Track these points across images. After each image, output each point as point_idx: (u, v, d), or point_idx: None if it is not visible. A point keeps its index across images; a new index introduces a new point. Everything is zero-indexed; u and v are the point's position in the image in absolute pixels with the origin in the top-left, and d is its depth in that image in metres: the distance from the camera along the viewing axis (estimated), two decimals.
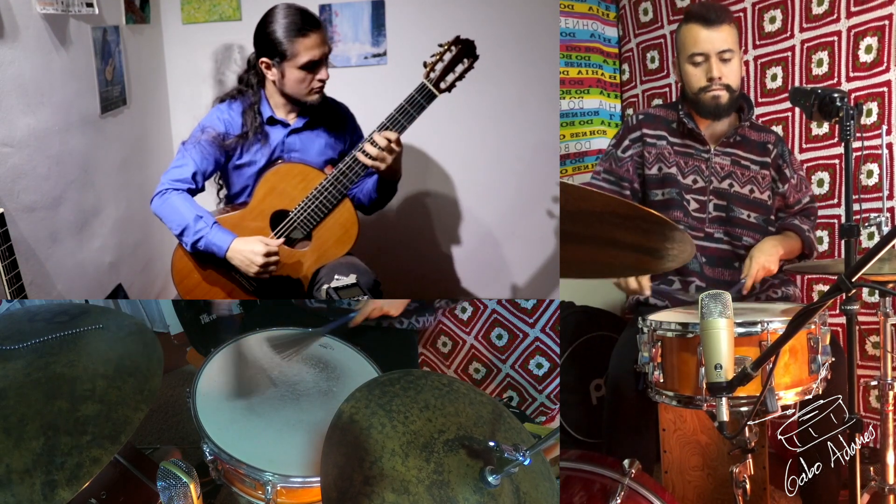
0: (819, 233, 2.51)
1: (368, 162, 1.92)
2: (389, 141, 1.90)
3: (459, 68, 1.95)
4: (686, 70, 2.07)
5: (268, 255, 1.91)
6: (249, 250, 1.90)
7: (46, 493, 1.03)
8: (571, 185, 1.16)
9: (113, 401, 1.21)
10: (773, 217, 2.18)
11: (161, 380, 1.32)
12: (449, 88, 1.95)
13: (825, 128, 2.52)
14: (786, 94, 2.57)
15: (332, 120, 2.14)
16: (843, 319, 1.55)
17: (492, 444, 1.23)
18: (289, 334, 1.89)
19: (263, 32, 1.94)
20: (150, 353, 1.38)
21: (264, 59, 1.96)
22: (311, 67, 1.95)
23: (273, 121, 2.05)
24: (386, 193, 2.13)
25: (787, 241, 2.09)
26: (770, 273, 2.03)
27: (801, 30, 2.55)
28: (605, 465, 1.53)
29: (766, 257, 2.01)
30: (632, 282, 2.02)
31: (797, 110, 2.59)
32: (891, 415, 1.69)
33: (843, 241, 1.49)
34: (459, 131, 2.75)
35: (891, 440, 1.70)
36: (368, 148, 1.91)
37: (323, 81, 1.99)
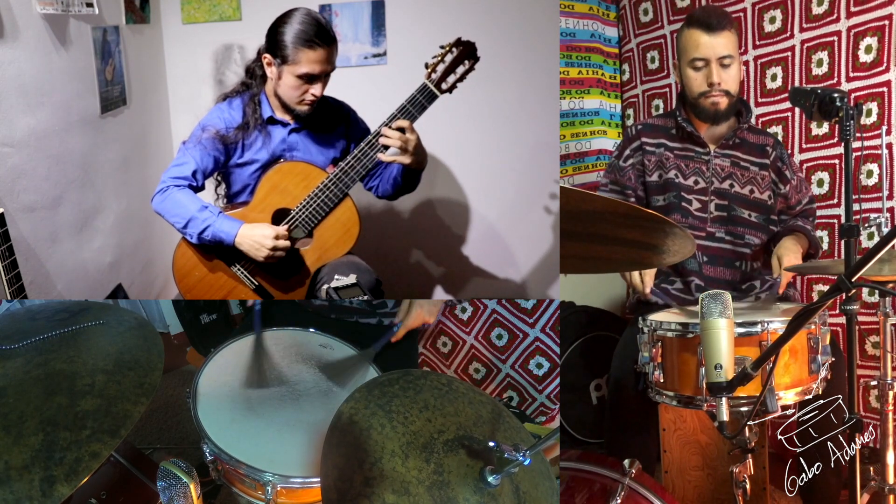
0: (819, 233, 2.51)
1: (388, 159, 1.95)
2: (403, 131, 1.91)
3: (460, 70, 1.96)
4: (687, 74, 2.11)
5: (276, 237, 1.92)
6: (258, 234, 1.92)
7: (45, 488, 1.02)
8: (572, 189, 1.16)
9: (112, 395, 1.20)
10: (773, 217, 2.20)
11: (162, 373, 1.31)
12: (450, 89, 1.96)
13: (825, 128, 2.52)
14: (786, 95, 2.57)
15: (334, 120, 2.14)
16: (843, 319, 1.55)
17: (492, 444, 1.23)
18: (339, 362, 1.85)
19: (275, 31, 1.94)
20: (151, 347, 1.37)
21: (267, 56, 1.97)
22: (308, 80, 1.95)
23: (273, 120, 2.05)
24: (411, 181, 2.13)
25: (801, 241, 2.13)
26: None
27: (801, 30, 2.55)
28: (606, 465, 1.54)
29: (793, 255, 2.04)
30: (635, 276, 2.05)
31: (797, 110, 2.59)
32: (891, 415, 1.69)
33: (843, 241, 1.49)
34: (459, 131, 2.75)
35: (891, 440, 1.70)
36: (385, 140, 1.92)
37: (316, 97, 1.98)
